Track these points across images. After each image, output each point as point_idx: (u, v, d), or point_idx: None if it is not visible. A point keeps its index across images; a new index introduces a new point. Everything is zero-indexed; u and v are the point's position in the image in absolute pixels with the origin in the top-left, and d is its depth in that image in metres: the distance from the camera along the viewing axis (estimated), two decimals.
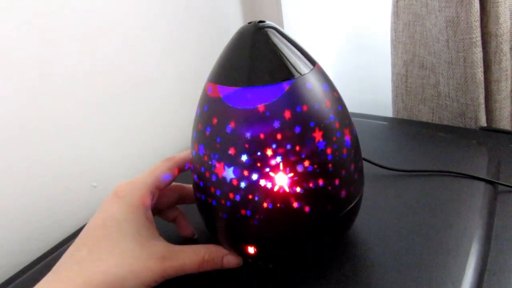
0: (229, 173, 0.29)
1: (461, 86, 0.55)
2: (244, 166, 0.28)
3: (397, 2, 0.61)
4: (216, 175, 0.29)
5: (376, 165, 0.46)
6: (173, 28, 0.58)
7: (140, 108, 0.55)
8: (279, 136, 0.27)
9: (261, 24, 0.30)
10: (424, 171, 0.45)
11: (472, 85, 0.54)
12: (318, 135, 0.28)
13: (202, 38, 0.63)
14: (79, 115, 0.47)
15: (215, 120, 0.29)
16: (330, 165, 0.29)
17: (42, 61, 0.42)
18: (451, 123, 0.60)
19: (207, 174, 0.30)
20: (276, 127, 0.27)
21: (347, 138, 0.30)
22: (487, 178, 0.42)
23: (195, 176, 0.32)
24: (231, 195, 0.29)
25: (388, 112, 0.70)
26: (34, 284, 0.27)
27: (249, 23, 0.30)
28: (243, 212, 0.29)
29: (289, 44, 0.30)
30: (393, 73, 0.66)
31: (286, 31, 0.30)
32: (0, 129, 0.40)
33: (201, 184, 0.31)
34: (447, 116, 0.60)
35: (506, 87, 0.55)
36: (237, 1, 0.69)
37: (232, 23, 0.69)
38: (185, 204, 0.38)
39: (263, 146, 0.28)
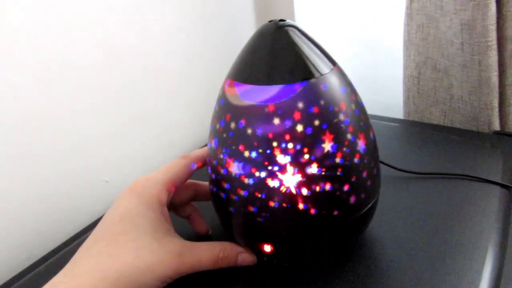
0: (238, 168, 0.29)
1: (475, 89, 0.55)
2: (252, 163, 0.28)
3: (410, 3, 0.60)
4: (227, 169, 0.30)
5: (390, 166, 0.46)
6: (188, 26, 0.58)
7: (154, 103, 0.55)
8: (288, 136, 0.27)
9: (281, 22, 0.29)
10: (438, 173, 0.45)
11: (486, 88, 0.53)
12: (329, 138, 0.28)
13: (216, 37, 0.63)
14: (91, 110, 0.47)
15: (228, 116, 0.30)
16: (339, 170, 0.29)
17: (52, 55, 0.42)
18: (463, 126, 0.60)
19: (219, 168, 0.31)
20: (286, 126, 0.27)
21: (362, 143, 0.30)
22: (503, 183, 0.42)
23: (209, 168, 0.33)
24: (239, 191, 0.30)
25: (399, 114, 0.69)
26: (50, 275, 0.28)
27: (270, 21, 0.30)
28: (250, 208, 0.30)
29: (309, 43, 0.30)
30: (405, 75, 0.66)
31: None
32: (13, 123, 0.40)
33: (213, 176, 0.32)
34: (459, 119, 0.60)
35: None
36: (250, 2, 0.69)
37: (246, 24, 0.69)
38: (200, 201, 0.38)
39: (272, 145, 0.28)
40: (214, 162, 0.31)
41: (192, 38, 0.59)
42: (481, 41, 0.51)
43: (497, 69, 0.52)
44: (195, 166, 0.36)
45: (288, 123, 0.27)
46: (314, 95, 0.28)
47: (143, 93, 0.53)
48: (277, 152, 0.28)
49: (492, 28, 0.50)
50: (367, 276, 0.33)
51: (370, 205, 0.32)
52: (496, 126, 0.55)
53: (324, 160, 0.28)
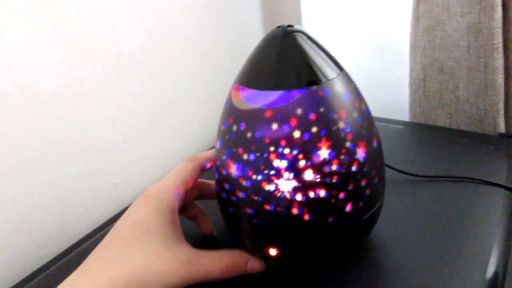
0: (237, 170, 0.30)
1: (481, 92, 0.55)
2: (249, 165, 0.29)
3: (417, 6, 0.61)
4: (227, 170, 0.31)
5: (395, 169, 0.46)
6: (197, 30, 0.58)
7: (162, 106, 0.55)
8: (284, 142, 0.28)
9: (289, 28, 0.30)
10: (443, 176, 0.45)
11: (492, 91, 0.53)
12: (326, 145, 0.28)
13: (224, 42, 0.64)
14: (100, 114, 0.48)
15: (231, 118, 0.30)
16: (335, 177, 0.28)
17: (64, 59, 0.43)
18: (468, 129, 0.60)
19: (221, 169, 0.32)
20: (283, 132, 0.28)
21: (362, 151, 0.29)
22: (507, 185, 0.42)
23: (215, 168, 0.34)
24: (237, 192, 0.30)
25: (405, 116, 0.70)
26: (59, 277, 0.28)
27: (278, 27, 0.30)
28: (247, 210, 0.30)
29: (316, 49, 0.30)
30: (411, 77, 0.66)
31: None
32: (25, 126, 0.41)
33: (217, 176, 0.33)
34: (465, 122, 0.60)
35: None
36: (258, 8, 0.69)
37: (254, 28, 0.69)
38: (206, 199, 0.39)
39: (269, 149, 0.28)
40: (218, 162, 0.32)
41: (201, 42, 0.60)
42: (487, 43, 0.51)
43: (503, 71, 0.52)
44: (203, 168, 0.36)
45: (285, 129, 0.28)
46: (313, 101, 0.28)
47: (153, 96, 0.54)
48: (273, 157, 0.28)
49: (498, 30, 0.50)
50: (372, 279, 0.34)
51: (369, 213, 0.32)
52: (502, 129, 0.55)
53: (320, 167, 0.28)
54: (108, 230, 0.31)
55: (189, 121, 0.61)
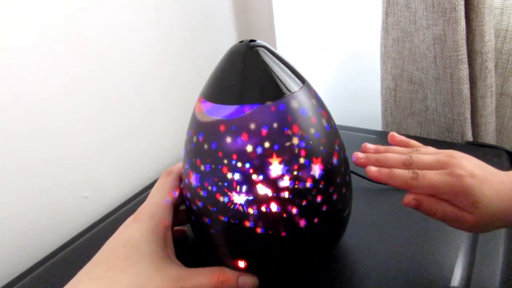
0: (195, 180, 0.31)
1: (448, 101, 0.56)
2: (205, 176, 0.30)
3: (386, 18, 0.62)
4: (188, 180, 0.32)
5: (364, 178, 0.47)
6: (170, 46, 0.58)
7: (133, 119, 0.55)
8: (235, 155, 0.28)
9: (252, 43, 0.30)
10: None
11: (458, 100, 0.55)
12: (277, 160, 0.28)
13: (197, 54, 0.64)
14: (71, 126, 0.47)
15: (192, 130, 0.31)
16: (287, 192, 0.28)
17: (29, 71, 0.43)
18: (438, 137, 0.61)
19: (184, 177, 0.33)
20: (237, 145, 0.28)
21: (318, 167, 0.29)
22: None
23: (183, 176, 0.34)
24: (196, 201, 0.31)
25: (379, 125, 0.71)
26: None
27: (240, 42, 0.31)
28: (204, 219, 0.31)
29: (279, 63, 0.30)
30: (382, 87, 0.67)
31: (278, 47, 0.31)
32: None
33: (182, 184, 0.34)
34: (435, 130, 0.62)
35: (491, 103, 0.56)
36: (231, 20, 0.70)
37: (226, 41, 0.70)
38: None
39: (223, 161, 0.28)
40: (182, 171, 0.33)
41: (173, 57, 0.60)
42: (452, 55, 0.53)
43: (468, 81, 0.54)
44: (181, 178, 0.36)
45: (238, 142, 0.28)
46: (267, 116, 0.28)
47: (124, 109, 0.53)
48: (225, 169, 0.28)
49: (463, 42, 0.52)
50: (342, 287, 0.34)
51: (328, 228, 0.31)
52: (469, 137, 0.57)
53: (272, 181, 0.28)
54: (78, 244, 0.30)
55: (161, 134, 0.60)
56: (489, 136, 0.58)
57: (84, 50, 0.47)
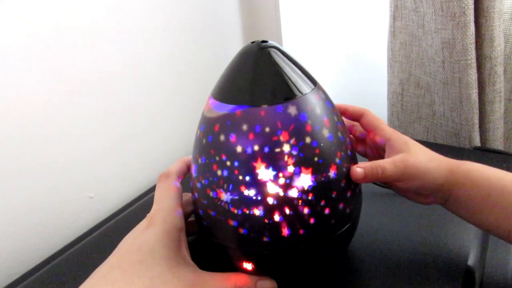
0: (194, 171, 0.32)
1: (456, 106, 0.56)
2: (200, 169, 0.31)
3: (394, 22, 0.62)
4: (191, 170, 0.33)
5: (373, 183, 0.47)
6: (178, 47, 0.58)
7: (139, 120, 0.55)
8: (224, 155, 0.28)
9: (263, 44, 0.30)
10: None
11: (466, 105, 0.55)
12: (263, 164, 0.27)
13: (203, 57, 0.64)
14: (77, 127, 0.47)
15: (201, 128, 0.31)
16: (271, 198, 0.28)
17: (38, 73, 0.42)
18: (445, 142, 0.61)
19: (191, 172, 0.33)
20: (228, 142, 0.28)
21: (307, 178, 0.28)
22: None
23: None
24: (194, 192, 0.32)
25: None
26: None
27: (252, 42, 0.30)
28: (198, 210, 0.32)
29: (290, 64, 0.30)
30: (389, 91, 0.67)
31: (285, 49, 0.31)
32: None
33: (191, 183, 0.34)
34: (442, 135, 0.61)
35: (500, 108, 0.56)
36: (238, 22, 0.70)
37: (233, 43, 0.70)
38: None
39: (215, 158, 0.29)
40: (191, 164, 0.34)
41: (179, 60, 0.60)
42: (461, 59, 0.52)
43: (476, 86, 0.54)
44: (180, 177, 0.36)
45: (230, 140, 0.28)
46: (261, 119, 0.28)
47: (131, 112, 0.53)
48: (215, 166, 0.29)
49: (472, 47, 0.51)
50: None
51: (315, 241, 0.30)
52: (477, 142, 0.57)
53: (257, 185, 0.28)
54: (83, 244, 0.30)
55: (167, 135, 0.60)
56: (497, 142, 0.57)
57: (92, 53, 0.47)
